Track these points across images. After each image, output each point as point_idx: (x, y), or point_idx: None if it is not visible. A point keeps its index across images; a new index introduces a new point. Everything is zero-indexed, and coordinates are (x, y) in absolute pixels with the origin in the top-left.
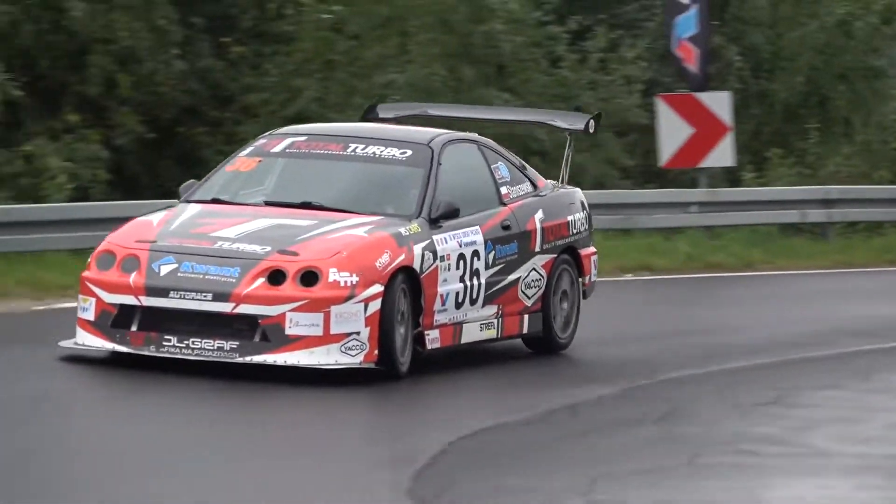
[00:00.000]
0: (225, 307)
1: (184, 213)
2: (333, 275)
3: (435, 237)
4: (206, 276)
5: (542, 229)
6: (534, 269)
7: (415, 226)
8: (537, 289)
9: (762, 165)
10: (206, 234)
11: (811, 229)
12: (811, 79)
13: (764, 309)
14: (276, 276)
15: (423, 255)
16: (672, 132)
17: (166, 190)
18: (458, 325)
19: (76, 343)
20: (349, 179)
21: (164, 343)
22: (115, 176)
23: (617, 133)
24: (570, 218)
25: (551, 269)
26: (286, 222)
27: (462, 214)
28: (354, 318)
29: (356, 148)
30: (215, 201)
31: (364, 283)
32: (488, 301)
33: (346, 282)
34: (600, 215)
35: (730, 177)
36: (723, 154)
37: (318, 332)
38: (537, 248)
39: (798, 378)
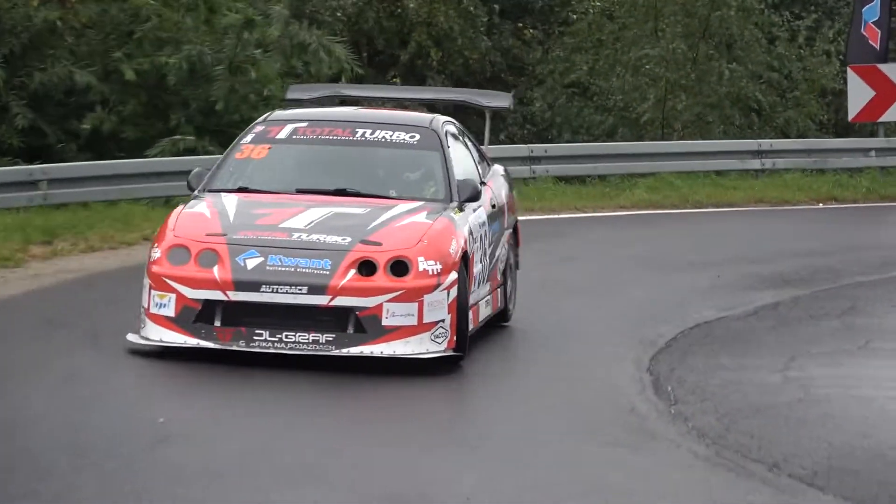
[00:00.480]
0: (321, 300)
1: (229, 204)
2: (422, 263)
3: (469, 220)
4: (298, 269)
5: (507, 206)
6: (503, 245)
7: (456, 210)
8: (504, 263)
9: None
10: (275, 225)
11: None
12: None
13: None
14: (364, 267)
15: (469, 240)
16: (858, 94)
17: None
18: (477, 305)
19: (148, 338)
20: (369, 164)
21: (255, 338)
22: None
23: (817, 95)
24: (514, 193)
25: (509, 244)
26: (342, 211)
27: None
28: (441, 306)
29: (365, 133)
30: (242, 190)
31: (446, 271)
32: (488, 279)
33: (432, 270)
34: (801, 158)
35: None
36: None
37: (413, 321)
38: (506, 225)
39: None
